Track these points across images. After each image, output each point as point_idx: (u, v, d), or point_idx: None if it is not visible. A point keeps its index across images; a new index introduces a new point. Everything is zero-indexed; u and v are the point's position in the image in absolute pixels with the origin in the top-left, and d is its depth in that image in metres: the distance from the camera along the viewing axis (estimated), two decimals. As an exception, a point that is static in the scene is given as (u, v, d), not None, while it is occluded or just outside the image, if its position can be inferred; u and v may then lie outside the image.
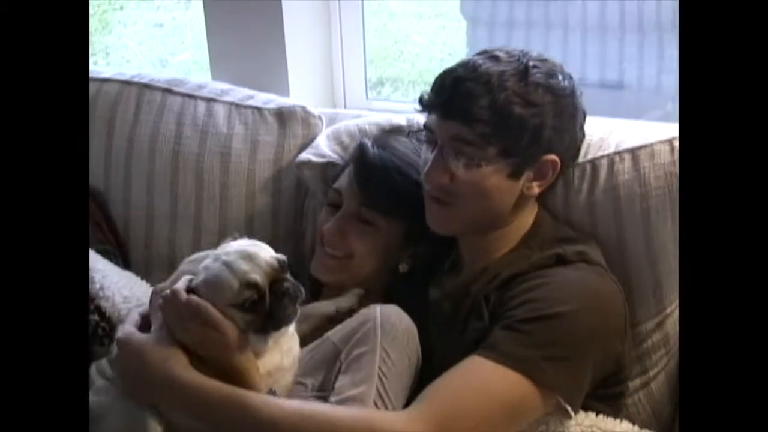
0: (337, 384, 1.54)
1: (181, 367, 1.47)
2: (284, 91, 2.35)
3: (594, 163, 1.81)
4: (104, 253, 2.09)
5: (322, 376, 1.58)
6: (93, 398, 1.57)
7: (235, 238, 1.59)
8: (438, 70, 1.66)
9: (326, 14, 2.46)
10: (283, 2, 2.29)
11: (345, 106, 2.56)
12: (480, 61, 1.61)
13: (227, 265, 1.49)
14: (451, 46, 3.14)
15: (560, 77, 1.63)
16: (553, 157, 1.65)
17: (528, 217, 1.73)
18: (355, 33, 2.50)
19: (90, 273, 1.84)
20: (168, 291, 1.51)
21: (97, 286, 1.83)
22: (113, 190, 2.21)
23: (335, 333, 1.61)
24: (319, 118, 2.13)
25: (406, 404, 1.52)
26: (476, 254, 1.73)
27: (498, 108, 1.57)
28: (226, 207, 2.08)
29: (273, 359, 1.56)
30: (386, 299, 1.71)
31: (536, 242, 1.69)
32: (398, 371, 1.54)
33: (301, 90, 2.41)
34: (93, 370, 1.66)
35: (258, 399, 1.46)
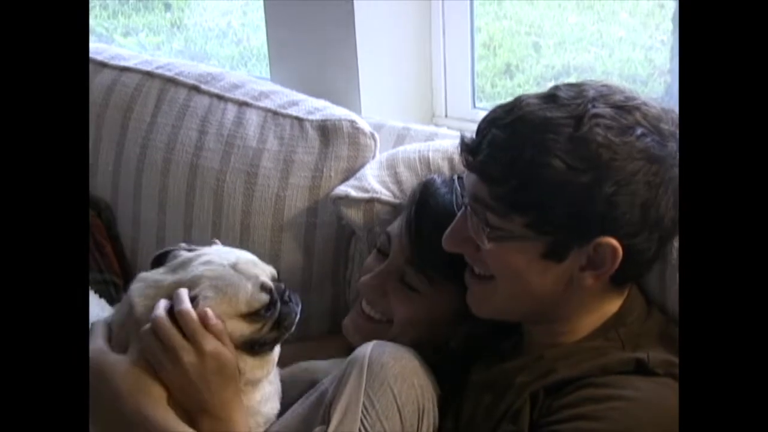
0: None
1: (155, 404, 1.31)
2: (355, 94, 2.05)
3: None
4: (103, 284, 1.89)
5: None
6: None
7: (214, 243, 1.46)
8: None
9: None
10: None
11: (446, 115, 2.24)
12: (530, 101, 1.28)
13: (235, 268, 1.38)
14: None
15: (640, 133, 1.25)
16: (609, 240, 1.26)
17: (612, 301, 1.36)
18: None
19: None
20: (161, 311, 1.31)
21: None
22: (122, 205, 1.93)
23: (329, 377, 1.42)
24: (372, 136, 1.76)
25: None
26: (540, 339, 1.40)
27: (524, 167, 1.25)
28: (247, 240, 1.75)
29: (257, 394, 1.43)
30: None
31: (619, 334, 1.34)
32: (387, 427, 1.31)
33: (382, 97, 2.09)
34: None
35: None
